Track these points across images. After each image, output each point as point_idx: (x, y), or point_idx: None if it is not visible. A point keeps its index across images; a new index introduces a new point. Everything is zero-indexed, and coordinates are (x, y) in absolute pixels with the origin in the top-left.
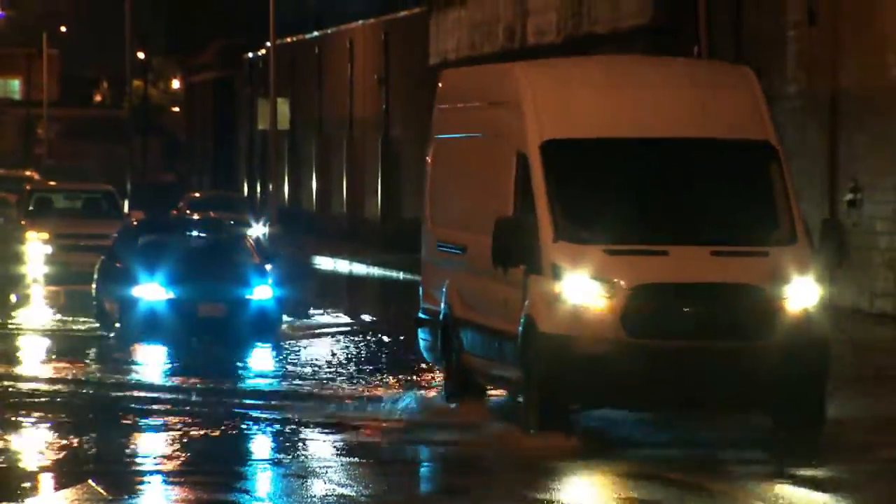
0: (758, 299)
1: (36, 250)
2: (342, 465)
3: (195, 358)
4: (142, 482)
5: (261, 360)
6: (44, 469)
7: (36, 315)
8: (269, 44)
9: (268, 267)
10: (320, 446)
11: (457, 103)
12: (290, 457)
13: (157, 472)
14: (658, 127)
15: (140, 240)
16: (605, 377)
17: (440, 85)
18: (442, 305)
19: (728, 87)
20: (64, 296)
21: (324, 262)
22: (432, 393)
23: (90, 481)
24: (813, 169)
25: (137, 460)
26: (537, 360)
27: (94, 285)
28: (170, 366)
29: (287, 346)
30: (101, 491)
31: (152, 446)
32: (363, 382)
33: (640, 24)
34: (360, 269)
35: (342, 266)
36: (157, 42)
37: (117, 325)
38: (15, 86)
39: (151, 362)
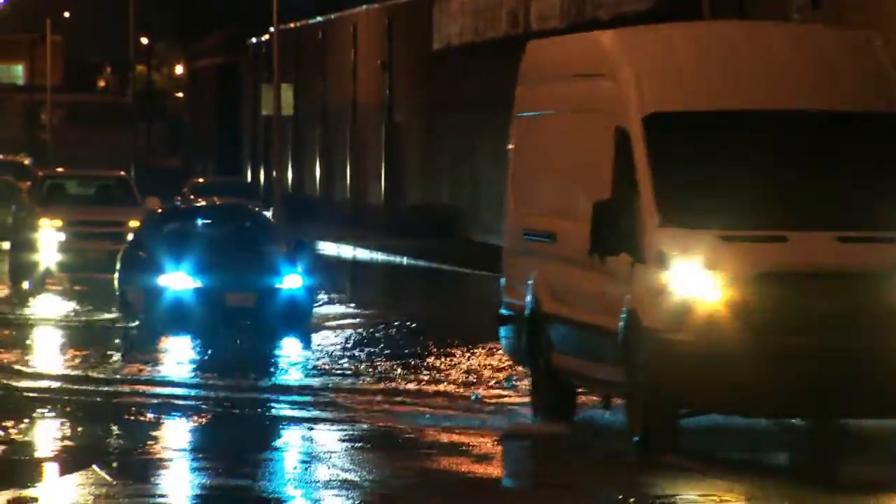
0: (894, 290)
1: (49, 237)
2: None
3: (222, 351)
4: (146, 467)
5: (293, 353)
6: (51, 458)
7: (53, 305)
8: (272, 29)
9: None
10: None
11: (543, 77)
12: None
13: (164, 458)
14: (775, 98)
15: (165, 227)
16: (719, 379)
17: (524, 57)
18: (528, 299)
19: (851, 53)
20: (80, 285)
21: (328, 248)
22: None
23: (94, 467)
24: None
25: (145, 448)
26: (642, 360)
27: (116, 274)
28: (195, 358)
29: (321, 338)
30: (106, 476)
31: (164, 436)
32: (423, 381)
33: (643, 10)
34: (363, 254)
35: (346, 251)
36: (160, 27)
37: (140, 315)
38: (18, 71)
39: (176, 355)
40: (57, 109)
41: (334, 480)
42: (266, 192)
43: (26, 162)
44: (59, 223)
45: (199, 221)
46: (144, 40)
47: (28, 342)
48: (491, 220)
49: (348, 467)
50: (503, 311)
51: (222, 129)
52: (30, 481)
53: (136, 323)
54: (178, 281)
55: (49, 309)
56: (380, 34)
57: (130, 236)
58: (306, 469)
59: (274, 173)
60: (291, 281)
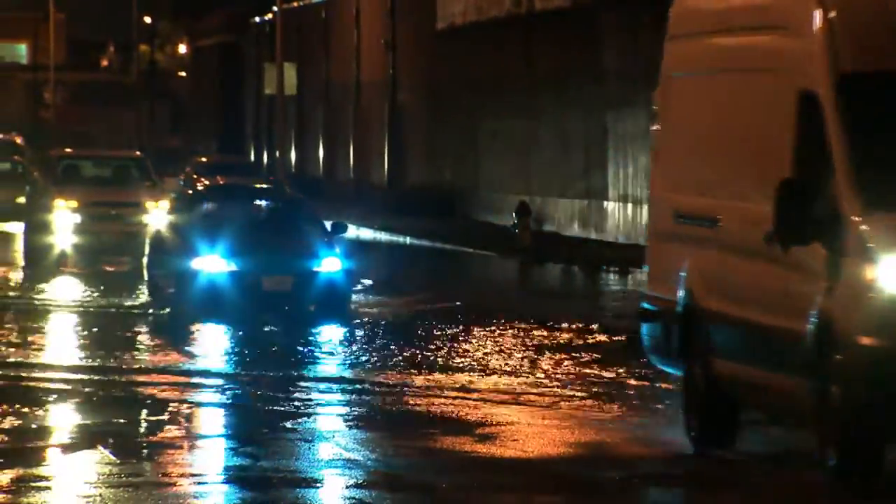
0: None
1: (65, 219)
2: None
3: (259, 339)
4: (150, 447)
5: (335, 341)
6: (61, 444)
7: (74, 290)
8: (275, 8)
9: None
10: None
11: (699, 32)
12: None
13: (170, 439)
14: None
15: (197, 208)
16: None
17: (672, 10)
18: (680, 293)
19: None
20: (98, 268)
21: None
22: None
23: (99, 447)
24: None
25: (152, 429)
26: (839, 373)
27: (145, 258)
28: (230, 346)
29: (364, 326)
30: (110, 455)
31: (180, 422)
32: (503, 376)
33: None
34: (366, 234)
35: (349, 232)
36: (163, 6)
37: (171, 300)
38: (22, 50)
39: (209, 341)
40: (60, 88)
41: None
42: (269, 171)
43: (18, 141)
44: (74, 204)
45: (233, 203)
46: (147, 19)
47: (54, 330)
48: (492, 199)
49: None
50: (645, 306)
51: (225, 109)
52: (41, 461)
53: (167, 309)
54: (212, 264)
55: (71, 294)
56: (383, 13)
57: (147, 218)
58: None
59: (277, 153)
60: (329, 264)
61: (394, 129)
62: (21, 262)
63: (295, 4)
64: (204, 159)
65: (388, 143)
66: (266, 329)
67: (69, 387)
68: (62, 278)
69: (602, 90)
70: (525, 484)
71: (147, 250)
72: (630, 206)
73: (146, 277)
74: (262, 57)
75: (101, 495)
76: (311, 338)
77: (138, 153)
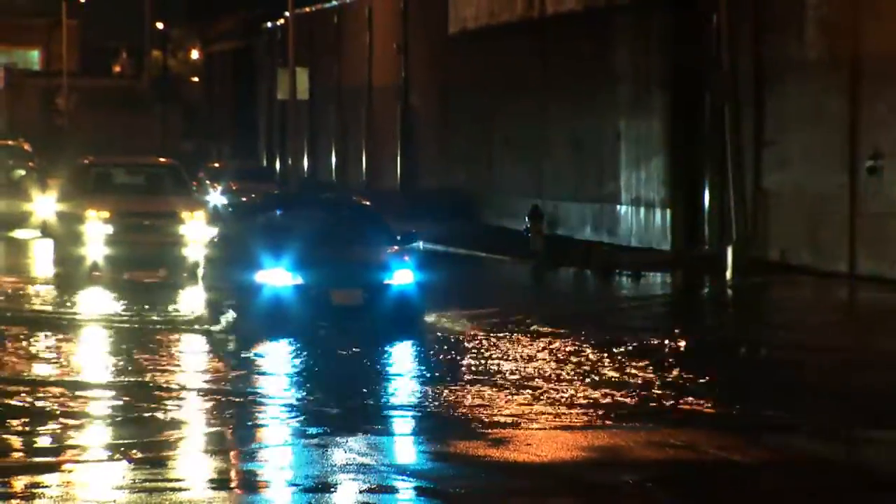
0: None
1: (96, 230)
2: None
3: (327, 357)
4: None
5: (412, 361)
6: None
7: (114, 304)
8: (287, 13)
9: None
10: None
11: None
12: None
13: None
14: None
15: (257, 218)
16: None
17: None
18: None
19: None
20: (143, 282)
21: None
22: None
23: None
24: (833, 136)
25: (171, 437)
26: None
27: (201, 270)
28: (295, 367)
29: (443, 343)
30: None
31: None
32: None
33: None
34: None
35: None
36: (176, 12)
37: (229, 316)
38: (34, 56)
39: (273, 361)
40: (73, 94)
41: None
42: (282, 175)
43: (26, 147)
44: (106, 214)
45: (297, 212)
46: (160, 25)
47: (105, 347)
48: (505, 203)
49: None
50: None
51: (237, 114)
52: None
53: (222, 325)
54: (277, 277)
55: (117, 310)
56: (395, 17)
57: (184, 229)
58: None
59: (289, 158)
60: (402, 276)
61: (406, 134)
62: (53, 275)
63: (307, 9)
64: (216, 165)
65: (401, 148)
66: (339, 349)
67: (127, 403)
68: (102, 292)
69: (615, 94)
70: (539, 488)
71: (202, 263)
72: (643, 209)
73: (202, 291)
74: (274, 62)
75: (114, 501)
76: (385, 358)
77: (173, 161)
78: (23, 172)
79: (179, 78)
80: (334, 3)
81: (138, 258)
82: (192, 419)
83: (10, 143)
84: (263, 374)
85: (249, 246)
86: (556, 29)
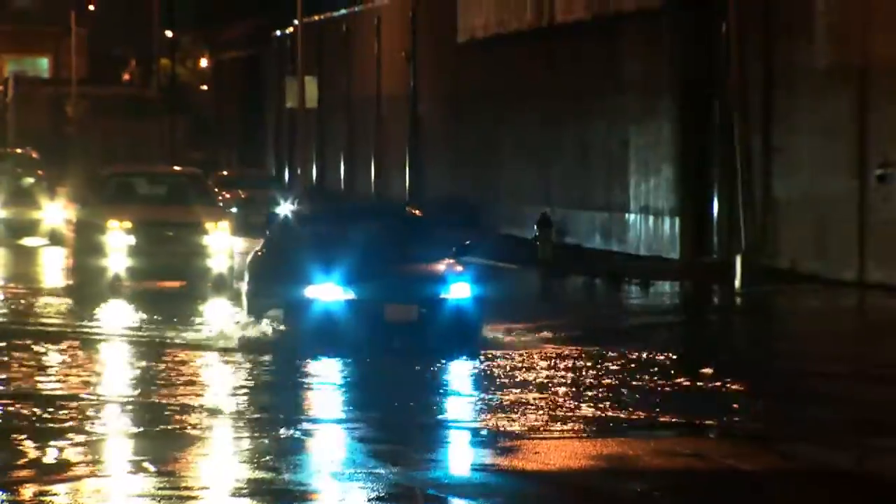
0: None
1: (118, 240)
2: None
3: (384, 376)
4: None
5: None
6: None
7: (145, 320)
8: (296, 21)
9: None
10: None
11: None
12: None
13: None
14: None
15: (305, 230)
16: None
17: None
18: None
19: None
20: (159, 295)
21: None
22: None
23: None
24: (842, 144)
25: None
26: None
27: (244, 287)
28: (350, 388)
29: (507, 363)
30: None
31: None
32: None
33: (668, 1)
34: None
35: None
36: (185, 20)
37: (276, 333)
38: (44, 64)
39: (325, 380)
40: (81, 102)
41: None
42: (290, 184)
43: (34, 155)
44: (128, 225)
45: (347, 223)
46: (169, 33)
47: (141, 366)
48: (514, 211)
49: None
50: None
51: (246, 122)
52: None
53: (268, 342)
54: (327, 292)
55: (136, 322)
56: (404, 26)
57: (207, 239)
58: None
59: (298, 170)
60: (459, 290)
61: (415, 142)
62: (71, 286)
63: (316, 18)
64: (225, 173)
65: (409, 156)
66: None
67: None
68: (126, 304)
69: (623, 102)
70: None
71: (246, 277)
72: (651, 217)
73: (245, 308)
74: (283, 70)
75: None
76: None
77: (196, 170)
78: (31, 180)
79: (188, 86)
80: (343, 11)
81: (161, 269)
82: (230, 439)
83: (18, 151)
84: (310, 391)
85: (298, 259)
86: (565, 37)
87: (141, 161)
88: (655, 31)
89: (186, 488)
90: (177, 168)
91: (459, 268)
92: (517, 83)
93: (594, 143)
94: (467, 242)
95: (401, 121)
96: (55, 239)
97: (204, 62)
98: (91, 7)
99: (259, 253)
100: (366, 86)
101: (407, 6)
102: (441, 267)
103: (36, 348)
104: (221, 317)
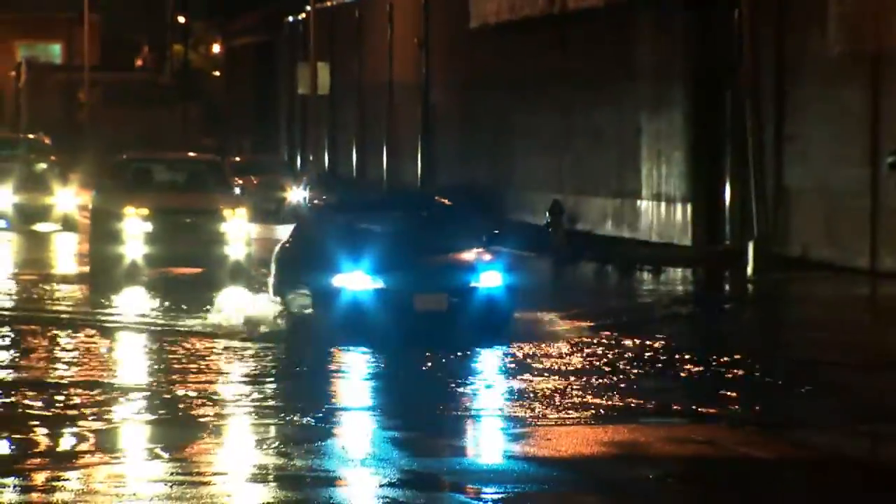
0: None
1: (135, 227)
2: None
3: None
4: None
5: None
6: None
7: (165, 308)
8: (309, 8)
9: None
10: None
11: None
12: None
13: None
14: None
15: (333, 219)
16: None
17: None
18: None
19: None
20: (188, 282)
21: None
22: None
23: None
24: (855, 131)
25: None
26: None
27: (272, 276)
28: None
29: (540, 354)
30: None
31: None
32: None
33: None
34: None
35: None
36: (197, 6)
37: (303, 322)
38: (56, 50)
39: (351, 372)
40: (94, 88)
41: None
42: (302, 171)
43: (46, 141)
44: (145, 212)
45: (376, 212)
46: (181, 19)
47: (169, 354)
48: (526, 198)
49: None
50: None
51: (258, 108)
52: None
53: (295, 331)
54: (356, 281)
55: (162, 313)
56: (416, 12)
57: (225, 226)
58: None
59: (311, 157)
60: (489, 279)
61: (427, 129)
62: (88, 273)
63: (328, 4)
64: (237, 159)
65: (421, 143)
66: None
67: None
68: (142, 294)
69: (635, 89)
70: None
71: (273, 265)
72: (664, 204)
73: (272, 297)
74: (295, 56)
75: (135, 493)
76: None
77: (215, 156)
78: (44, 166)
79: (201, 72)
80: None
81: (178, 257)
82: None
83: (30, 136)
84: (335, 379)
85: (325, 249)
86: (578, 24)
87: (153, 147)
88: (668, 18)
89: (199, 474)
90: (194, 154)
91: (489, 256)
92: (529, 70)
93: (606, 129)
94: (496, 231)
95: (413, 107)
96: (68, 225)
97: (216, 48)
98: None
99: (288, 241)
100: (378, 72)
101: None
102: (471, 255)
103: (57, 335)
104: (241, 304)
